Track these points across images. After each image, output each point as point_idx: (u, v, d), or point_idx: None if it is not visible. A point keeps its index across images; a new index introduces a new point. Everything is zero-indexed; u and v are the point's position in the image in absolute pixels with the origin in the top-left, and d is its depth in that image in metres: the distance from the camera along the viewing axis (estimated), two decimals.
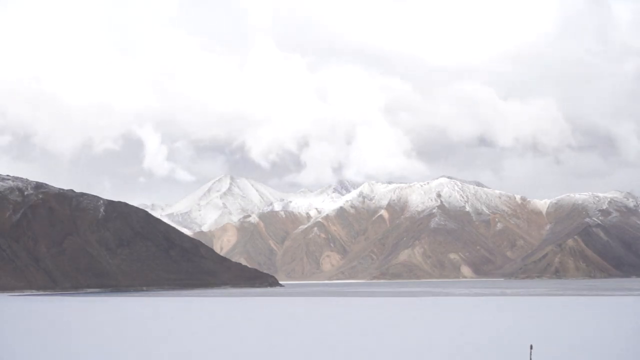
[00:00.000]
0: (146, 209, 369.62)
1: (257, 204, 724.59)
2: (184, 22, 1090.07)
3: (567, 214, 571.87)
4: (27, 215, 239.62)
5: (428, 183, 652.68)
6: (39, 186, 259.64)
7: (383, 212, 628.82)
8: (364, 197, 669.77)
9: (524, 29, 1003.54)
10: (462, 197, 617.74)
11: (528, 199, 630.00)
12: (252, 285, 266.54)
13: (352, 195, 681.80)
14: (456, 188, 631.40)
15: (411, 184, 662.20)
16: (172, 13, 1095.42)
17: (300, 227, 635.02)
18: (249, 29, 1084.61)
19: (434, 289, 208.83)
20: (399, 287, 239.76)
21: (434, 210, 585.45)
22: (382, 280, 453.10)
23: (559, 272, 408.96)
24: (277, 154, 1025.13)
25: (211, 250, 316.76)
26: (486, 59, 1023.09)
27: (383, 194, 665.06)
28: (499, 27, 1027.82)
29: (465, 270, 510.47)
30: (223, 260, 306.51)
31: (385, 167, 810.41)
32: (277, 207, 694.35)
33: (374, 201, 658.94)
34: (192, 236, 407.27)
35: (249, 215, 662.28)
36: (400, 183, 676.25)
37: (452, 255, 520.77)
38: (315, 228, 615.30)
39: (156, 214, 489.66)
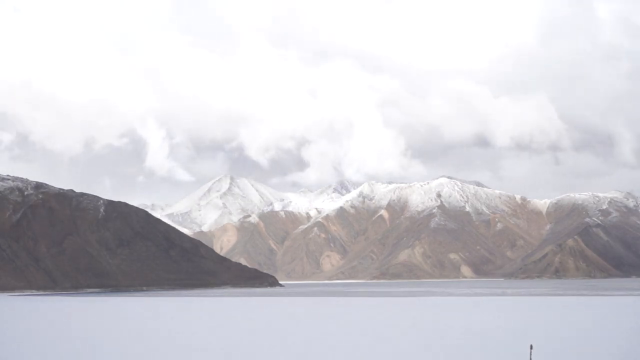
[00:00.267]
0: (146, 209, 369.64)
1: (257, 204, 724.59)
2: (181, 22, 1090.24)
3: (567, 214, 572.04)
4: (27, 215, 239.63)
5: (428, 183, 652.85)
6: (39, 186, 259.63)
7: (383, 212, 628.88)
8: (364, 197, 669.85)
9: (518, 28, 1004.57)
10: (462, 197, 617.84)
11: (528, 199, 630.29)
12: (252, 285, 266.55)
13: (352, 195, 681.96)
14: (456, 188, 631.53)
15: (411, 184, 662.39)
16: (170, 13, 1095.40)
17: (300, 227, 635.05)
18: (243, 28, 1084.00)
19: (434, 289, 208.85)
20: (399, 287, 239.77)
21: (434, 210, 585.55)
22: (382, 280, 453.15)
23: (559, 272, 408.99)
24: (277, 154, 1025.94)
25: (211, 250, 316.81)
26: (480, 58, 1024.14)
27: (383, 194, 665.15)
28: (493, 27, 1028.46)
29: (465, 270, 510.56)
30: (223, 260, 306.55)
31: (381, 167, 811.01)
32: (277, 207, 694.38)
33: (374, 201, 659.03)
34: (192, 236, 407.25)
35: (249, 215, 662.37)
36: (400, 183, 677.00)
37: (452, 255, 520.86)
38: (315, 228, 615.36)
39: (156, 214, 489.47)
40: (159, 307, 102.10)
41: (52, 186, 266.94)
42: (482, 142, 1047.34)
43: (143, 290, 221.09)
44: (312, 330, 53.71)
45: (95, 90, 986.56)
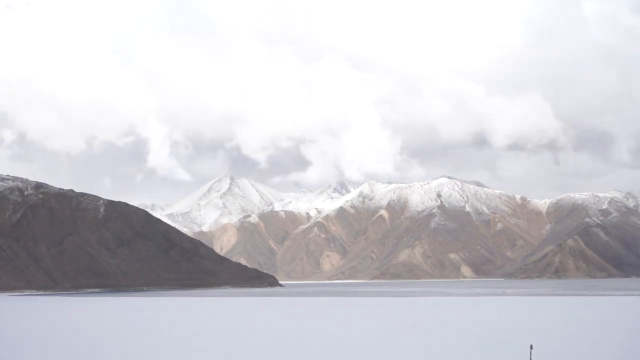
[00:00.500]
0: (146, 209, 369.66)
1: (257, 204, 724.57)
2: (181, 23, 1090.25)
3: (567, 214, 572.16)
4: (27, 215, 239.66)
5: (428, 183, 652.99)
6: (39, 186, 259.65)
7: (383, 212, 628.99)
8: (364, 197, 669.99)
9: (515, 28, 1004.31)
10: (462, 197, 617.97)
11: (528, 199, 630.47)
12: (252, 285, 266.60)
13: (352, 195, 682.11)
14: (456, 188, 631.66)
15: (411, 184, 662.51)
16: (170, 14, 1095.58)
17: (300, 227, 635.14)
18: (241, 29, 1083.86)
19: (435, 288, 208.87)
20: (399, 287, 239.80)
21: (434, 210, 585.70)
22: (382, 280, 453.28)
23: (559, 272, 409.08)
24: (277, 153, 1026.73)
25: (211, 250, 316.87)
26: (477, 58, 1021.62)
27: (383, 194, 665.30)
28: (490, 26, 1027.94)
29: (465, 270, 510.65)
30: (223, 260, 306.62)
31: (379, 167, 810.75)
32: (277, 207, 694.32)
33: (374, 201, 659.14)
34: (192, 236, 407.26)
35: (249, 215, 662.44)
36: (400, 183, 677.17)
37: (452, 255, 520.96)
38: (315, 228, 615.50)
39: (156, 214, 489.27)
40: (161, 307, 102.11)
41: (52, 186, 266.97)
42: (480, 142, 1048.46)
43: (143, 290, 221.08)
44: (313, 330, 53.72)
45: (95, 89, 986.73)
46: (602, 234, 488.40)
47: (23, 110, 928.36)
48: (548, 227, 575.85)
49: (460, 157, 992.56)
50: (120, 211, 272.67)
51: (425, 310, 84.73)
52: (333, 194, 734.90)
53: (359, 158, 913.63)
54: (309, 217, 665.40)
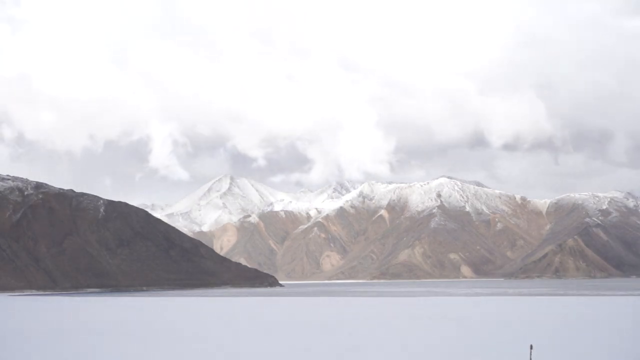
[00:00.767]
0: (146, 209, 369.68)
1: (257, 204, 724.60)
2: (181, 23, 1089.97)
3: (567, 214, 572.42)
4: (27, 215, 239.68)
5: (428, 183, 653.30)
6: (39, 186, 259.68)
7: (383, 212, 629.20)
8: (364, 197, 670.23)
9: (512, 28, 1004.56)
10: (462, 197, 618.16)
11: (528, 199, 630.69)
12: (252, 285, 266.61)
13: (352, 195, 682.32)
14: (456, 188, 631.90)
15: (411, 184, 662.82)
16: (171, 15, 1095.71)
17: (300, 227, 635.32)
18: (240, 30, 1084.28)
19: (435, 288, 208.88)
20: (400, 287, 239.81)
21: (434, 210, 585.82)
22: (382, 280, 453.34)
23: (559, 272, 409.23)
24: (277, 154, 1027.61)
25: (211, 250, 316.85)
26: (475, 58, 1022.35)
27: (383, 194, 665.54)
28: (487, 26, 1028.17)
29: (465, 270, 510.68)
30: (223, 260, 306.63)
31: (376, 168, 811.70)
32: (277, 207, 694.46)
33: (374, 201, 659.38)
34: (192, 236, 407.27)
35: (249, 215, 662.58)
36: (400, 183, 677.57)
37: (452, 255, 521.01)
38: (315, 228, 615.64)
39: (156, 214, 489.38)
40: (163, 307, 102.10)
41: (52, 186, 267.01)
42: (478, 142, 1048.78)
43: (143, 290, 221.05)
44: (313, 329, 53.72)
45: (95, 89, 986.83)
46: (602, 234, 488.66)
47: (23, 109, 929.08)
48: (548, 227, 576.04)
49: (457, 157, 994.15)
50: (120, 211, 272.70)
51: (426, 310, 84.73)
52: (333, 194, 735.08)
53: (359, 158, 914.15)
54: (309, 217, 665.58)
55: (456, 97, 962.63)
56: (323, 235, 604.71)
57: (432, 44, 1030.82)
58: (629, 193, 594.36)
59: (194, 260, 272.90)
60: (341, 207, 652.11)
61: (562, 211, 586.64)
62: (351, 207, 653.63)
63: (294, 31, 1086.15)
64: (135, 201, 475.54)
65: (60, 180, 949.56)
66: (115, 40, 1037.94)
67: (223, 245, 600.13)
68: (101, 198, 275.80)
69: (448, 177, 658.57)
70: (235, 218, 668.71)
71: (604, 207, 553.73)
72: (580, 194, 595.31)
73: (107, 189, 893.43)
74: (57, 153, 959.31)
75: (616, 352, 38.54)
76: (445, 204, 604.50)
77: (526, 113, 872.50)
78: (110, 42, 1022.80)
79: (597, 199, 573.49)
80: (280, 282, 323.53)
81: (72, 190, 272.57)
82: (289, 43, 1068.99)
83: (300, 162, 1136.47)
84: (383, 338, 45.86)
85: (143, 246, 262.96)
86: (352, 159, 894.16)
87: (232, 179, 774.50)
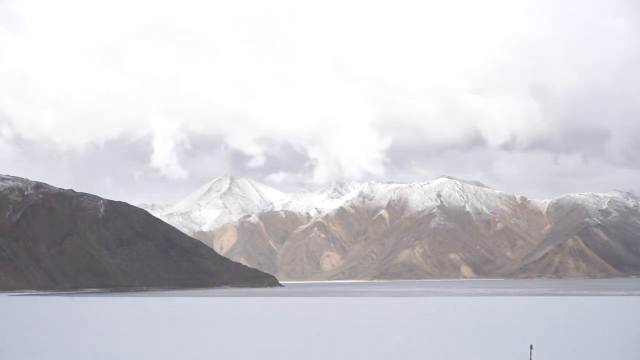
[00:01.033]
0: (146, 209, 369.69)
1: (257, 204, 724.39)
2: (181, 23, 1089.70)
3: (567, 214, 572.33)
4: (27, 215, 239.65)
5: (428, 183, 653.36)
6: (39, 186, 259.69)
7: (383, 212, 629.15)
8: (364, 197, 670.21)
9: (509, 27, 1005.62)
10: (462, 197, 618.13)
11: (528, 199, 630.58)
12: (252, 285, 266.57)
13: (352, 195, 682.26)
14: (456, 188, 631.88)
15: (411, 184, 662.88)
16: (172, 14, 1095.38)
17: (300, 227, 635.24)
18: (240, 31, 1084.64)
19: (435, 288, 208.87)
20: (400, 287, 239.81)
21: (434, 210, 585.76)
22: (382, 280, 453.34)
23: (559, 272, 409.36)
24: (277, 154, 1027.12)
25: (211, 250, 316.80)
26: (473, 58, 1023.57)
27: (383, 194, 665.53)
28: (484, 26, 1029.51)
29: (465, 270, 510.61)
30: (223, 260, 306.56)
31: (374, 168, 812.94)
32: (277, 207, 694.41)
33: (374, 201, 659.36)
34: (192, 236, 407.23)
35: (249, 215, 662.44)
36: (401, 183, 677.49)
37: (452, 255, 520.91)
38: (315, 228, 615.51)
39: (156, 214, 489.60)
40: (164, 306, 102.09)
41: (52, 186, 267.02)
42: (476, 142, 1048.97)
43: (143, 290, 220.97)
44: (315, 329, 53.71)
45: (96, 89, 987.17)
46: (602, 234, 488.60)
47: (23, 109, 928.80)
48: (548, 227, 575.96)
49: (455, 158, 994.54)
50: (120, 211, 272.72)
51: (426, 310, 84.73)
52: (333, 194, 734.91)
53: (359, 158, 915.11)
54: (309, 217, 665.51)
55: (454, 97, 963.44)
56: (323, 235, 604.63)
57: (428, 44, 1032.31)
58: (629, 193, 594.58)
59: (194, 260, 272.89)
60: (341, 207, 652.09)
61: (562, 211, 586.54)
62: (351, 207, 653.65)
63: (295, 32, 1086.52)
64: (135, 201, 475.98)
65: (60, 180, 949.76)
66: (115, 40, 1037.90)
67: (223, 245, 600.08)
68: (101, 198, 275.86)
69: (448, 177, 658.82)
70: (235, 218, 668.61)
71: (604, 207, 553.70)
72: (580, 194, 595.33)
73: (107, 189, 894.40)
74: (57, 153, 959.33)
75: (616, 352, 38.53)
76: (445, 204, 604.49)
77: (523, 113, 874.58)
78: (110, 42, 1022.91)
79: (597, 199, 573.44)
80: (280, 282, 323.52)
81: (72, 190, 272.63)
82: (289, 44, 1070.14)
83: (301, 162, 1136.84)
84: (383, 338, 45.87)
85: (143, 246, 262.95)
86: (352, 159, 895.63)
87: (232, 179, 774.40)
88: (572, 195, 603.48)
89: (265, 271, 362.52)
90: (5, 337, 50.41)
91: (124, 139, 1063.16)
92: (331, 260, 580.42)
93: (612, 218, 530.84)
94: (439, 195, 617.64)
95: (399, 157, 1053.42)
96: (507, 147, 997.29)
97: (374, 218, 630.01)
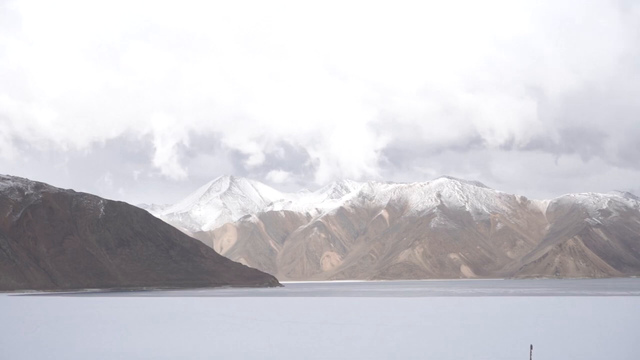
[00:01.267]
0: (146, 209, 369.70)
1: (257, 204, 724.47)
2: (181, 23, 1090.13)
3: (567, 214, 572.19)
4: (27, 215, 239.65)
5: (428, 183, 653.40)
6: (39, 186, 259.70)
7: (383, 212, 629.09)
8: (364, 197, 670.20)
9: (507, 27, 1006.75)
10: (462, 197, 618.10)
11: (528, 199, 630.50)
12: (252, 285, 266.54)
13: (352, 195, 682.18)
14: (456, 188, 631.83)
15: (411, 184, 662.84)
16: (172, 14, 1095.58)
17: (300, 227, 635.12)
18: (239, 32, 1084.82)
19: (435, 288, 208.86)
20: (400, 287, 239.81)
21: (434, 210, 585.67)
22: (382, 280, 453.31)
23: (559, 272, 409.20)
24: (277, 154, 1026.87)
25: (211, 250, 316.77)
26: (471, 58, 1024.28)
27: (383, 194, 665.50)
28: (481, 26, 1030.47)
29: (465, 270, 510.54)
30: (223, 260, 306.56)
31: (372, 168, 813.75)
32: (277, 207, 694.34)
33: (374, 201, 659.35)
34: (192, 236, 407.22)
35: (249, 215, 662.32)
36: (401, 183, 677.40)
37: (452, 255, 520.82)
38: (315, 228, 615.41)
39: (156, 213, 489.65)
40: (166, 306, 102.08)
41: (52, 186, 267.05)
42: (474, 142, 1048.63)
43: (143, 290, 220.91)
44: (315, 329, 53.72)
45: (96, 89, 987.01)
46: (602, 234, 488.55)
47: (23, 109, 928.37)
48: (548, 227, 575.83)
49: (454, 158, 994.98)
50: (120, 211, 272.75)
51: (427, 309, 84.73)
52: (333, 194, 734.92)
53: (359, 158, 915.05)
54: (309, 217, 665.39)
55: (453, 97, 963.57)
56: (323, 235, 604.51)
57: (427, 44, 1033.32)
58: (629, 193, 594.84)
59: (194, 260, 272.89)
60: (341, 207, 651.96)
61: (562, 211, 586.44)
62: (351, 207, 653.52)
63: (295, 32, 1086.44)
64: (135, 201, 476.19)
65: (60, 180, 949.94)
66: (115, 39, 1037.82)
67: (223, 245, 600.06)
68: (101, 198, 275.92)
69: (448, 177, 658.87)
70: (235, 218, 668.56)
71: (604, 207, 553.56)
72: (580, 194, 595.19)
73: (107, 189, 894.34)
74: (57, 153, 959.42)
75: (616, 352, 38.53)
76: (445, 203, 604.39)
77: (522, 113, 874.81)
78: (111, 41, 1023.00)
79: (597, 199, 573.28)
80: (280, 282, 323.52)
81: (72, 190, 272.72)
82: (289, 44, 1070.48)
83: (301, 162, 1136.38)
84: (384, 337, 45.89)
85: (143, 246, 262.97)
86: (353, 159, 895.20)
87: (232, 179, 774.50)
88: (572, 195, 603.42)
89: (265, 271, 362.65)
90: (7, 337, 50.41)
91: (124, 139, 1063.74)
92: (331, 260, 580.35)
93: (612, 218, 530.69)
94: (439, 195, 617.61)
95: (399, 157, 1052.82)
96: (506, 147, 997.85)
97: (374, 218, 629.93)
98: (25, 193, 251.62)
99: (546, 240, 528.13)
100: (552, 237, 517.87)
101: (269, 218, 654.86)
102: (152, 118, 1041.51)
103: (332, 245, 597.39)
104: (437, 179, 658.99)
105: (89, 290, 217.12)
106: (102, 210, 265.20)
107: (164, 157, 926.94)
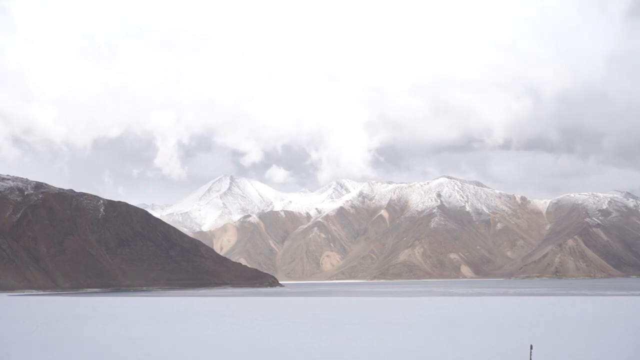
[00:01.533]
0: (146, 209, 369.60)
1: (257, 204, 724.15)
2: (181, 22, 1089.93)
3: (567, 214, 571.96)
4: (27, 215, 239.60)
5: (428, 183, 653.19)
6: (38, 186, 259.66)
7: (383, 212, 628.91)
8: (364, 197, 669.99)
9: (506, 27, 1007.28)
10: (462, 197, 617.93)
11: (528, 199, 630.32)
12: (252, 285, 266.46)
13: (352, 195, 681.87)
14: (456, 188, 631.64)
15: (411, 184, 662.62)
16: (173, 13, 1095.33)
17: (300, 227, 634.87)
18: (239, 32, 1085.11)
19: (436, 288, 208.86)
20: (400, 287, 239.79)
21: (434, 210, 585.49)
22: (382, 280, 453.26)
23: (559, 272, 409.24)
24: (277, 153, 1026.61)
25: (211, 250, 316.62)
26: (466, 58, 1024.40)
27: (383, 194, 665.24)
28: (480, 25, 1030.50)
29: (465, 270, 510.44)
30: (223, 260, 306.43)
31: (375, 169, 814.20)
32: (277, 207, 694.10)
33: (374, 201, 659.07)
34: (192, 236, 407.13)
35: (249, 215, 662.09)
36: (401, 183, 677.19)
37: (452, 255, 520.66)
38: (315, 228, 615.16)
39: (156, 213, 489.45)
40: (168, 306, 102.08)
41: (52, 186, 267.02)
42: (473, 142, 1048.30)
43: (143, 290, 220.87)
44: (316, 328, 53.75)
45: (96, 89, 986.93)
46: (602, 234, 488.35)
47: (23, 109, 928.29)
48: (548, 227, 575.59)
49: (453, 157, 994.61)
50: (120, 211, 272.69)
51: (426, 309, 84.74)
52: (333, 194, 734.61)
53: (359, 158, 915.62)
54: (309, 217, 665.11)
55: (453, 97, 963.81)
56: (323, 235, 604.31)
57: (426, 44, 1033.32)
58: (629, 193, 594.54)
59: (194, 260, 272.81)
60: (341, 207, 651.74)
61: (562, 211, 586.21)
62: (351, 207, 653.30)
63: (295, 33, 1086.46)
64: (135, 201, 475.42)
65: (60, 180, 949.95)
66: (115, 39, 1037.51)
67: (223, 245, 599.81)
68: (101, 198, 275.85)
69: (448, 177, 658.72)
70: (235, 218, 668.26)
71: (604, 207, 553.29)
72: (580, 194, 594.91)
73: (107, 189, 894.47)
74: (57, 152, 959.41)
75: (616, 352, 38.53)
76: (445, 203, 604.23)
77: (521, 112, 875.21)
78: (111, 41, 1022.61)
79: (597, 199, 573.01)
80: (280, 282, 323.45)
81: (72, 190, 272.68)
82: (289, 45, 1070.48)
83: (301, 162, 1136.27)
84: (384, 337, 45.88)
85: (143, 246, 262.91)
86: (352, 159, 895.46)
87: (232, 179, 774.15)
88: (572, 195, 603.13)
89: (265, 271, 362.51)
90: (7, 337, 50.42)
91: (124, 139, 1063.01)
92: (331, 260, 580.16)
93: (612, 218, 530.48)
94: (439, 195, 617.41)
95: (398, 157, 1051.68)
96: (506, 146, 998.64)
97: (374, 218, 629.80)
98: (25, 193, 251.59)
99: (546, 240, 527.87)
100: (552, 237, 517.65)
101: (269, 218, 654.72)
102: (152, 118, 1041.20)
103: (332, 245, 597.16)
104: (437, 179, 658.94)
105: (89, 290, 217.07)
106: (102, 210, 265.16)
107: (164, 156, 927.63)
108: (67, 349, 42.58)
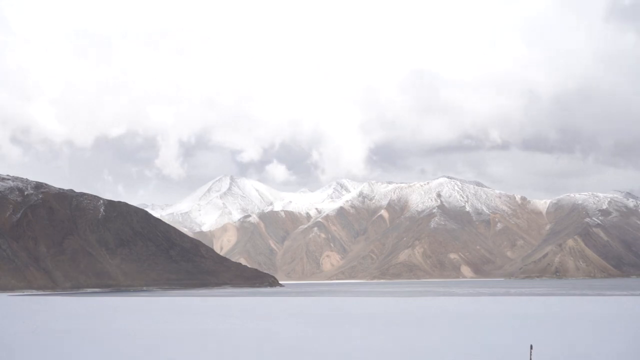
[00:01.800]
0: (146, 209, 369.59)
1: (257, 204, 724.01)
2: (180, 22, 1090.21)
3: (567, 214, 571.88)
4: (27, 215, 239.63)
5: (428, 183, 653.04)
6: (39, 186, 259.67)
7: (383, 212, 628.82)
8: (364, 197, 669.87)
9: (504, 27, 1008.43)
10: (462, 197, 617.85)
11: (528, 199, 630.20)
12: (252, 285, 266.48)
13: (352, 195, 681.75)
14: (456, 188, 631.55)
15: (411, 184, 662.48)
16: (173, 13, 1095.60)
17: (300, 227, 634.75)
18: (239, 32, 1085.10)
19: (436, 288, 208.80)
20: (400, 287, 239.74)
21: (434, 210, 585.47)
22: (382, 280, 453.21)
23: (559, 272, 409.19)
24: (277, 153, 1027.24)
25: (211, 250, 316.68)
26: (465, 58, 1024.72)
27: (383, 194, 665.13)
28: (479, 25, 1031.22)
29: (465, 270, 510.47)
30: (223, 260, 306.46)
31: (375, 169, 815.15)
32: (277, 207, 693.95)
33: (374, 201, 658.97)
34: (192, 236, 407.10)
35: (249, 215, 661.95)
36: (401, 183, 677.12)
37: (452, 255, 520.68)
38: (315, 228, 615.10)
39: (156, 214, 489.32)
40: (169, 306, 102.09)
41: (52, 186, 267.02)
42: (472, 142, 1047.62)
43: (143, 290, 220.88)
44: (317, 328, 53.72)
45: (96, 89, 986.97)
46: (602, 234, 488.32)
47: (23, 109, 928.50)
48: (548, 227, 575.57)
49: (453, 157, 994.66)
50: (120, 211, 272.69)
51: (427, 309, 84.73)
52: (333, 194, 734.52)
53: (358, 158, 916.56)
54: (309, 217, 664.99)
55: (452, 96, 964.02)
56: (323, 235, 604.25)
57: (426, 45, 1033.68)
58: (628, 193, 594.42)
59: (194, 260, 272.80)
60: (341, 207, 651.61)
61: (562, 211, 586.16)
62: (351, 207, 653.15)
63: (294, 33, 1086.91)
64: (135, 201, 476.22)
65: (60, 180, 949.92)
66: (115, 39, 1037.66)
67: (223, 245, 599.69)
68: (101, 198, 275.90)
69: (448, 177, 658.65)
70: (235, 218, 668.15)
71: (604, 207, 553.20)
72: (580, 194, 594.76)
73: (107, 189, 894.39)
74: (57, 152, 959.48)
75: (616, 352, 38.53)
76: (445, 203, 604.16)
77: (520, 112, 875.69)
78: (111, 41, 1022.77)
79: (597, 199, 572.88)
80: (280, 282, 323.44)
81: (72, 190, 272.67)
82: (290, 44, 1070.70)
83: (301, 162, 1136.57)
84: (384, 337, 45.89)
85: (143, 246, 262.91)
86: (353, 159, 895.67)
87: (232, 179, 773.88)
88: (572, 195, 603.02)
89: (265, 271, 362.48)
90: (7, 338, 50.42)
91: (124, 139, 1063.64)
92: (331, 260, 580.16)
93: (612, 218, 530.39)
94: (439, 195, 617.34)
95: (398, 157, 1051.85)
96: (504, 147, 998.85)
97: (374, 218, 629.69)
98: (25, 193, 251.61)
99: (546, 240, 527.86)
100: (552, 237, 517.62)
101: (269, 218, 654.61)
102: (152, 118, 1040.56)
103: (332, 245, 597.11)
104: (437, 179, 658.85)
105: (89, 290, 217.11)
106: (102, 210, 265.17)
107: (164, 156, 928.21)
108: (67, 349, 42.61)
